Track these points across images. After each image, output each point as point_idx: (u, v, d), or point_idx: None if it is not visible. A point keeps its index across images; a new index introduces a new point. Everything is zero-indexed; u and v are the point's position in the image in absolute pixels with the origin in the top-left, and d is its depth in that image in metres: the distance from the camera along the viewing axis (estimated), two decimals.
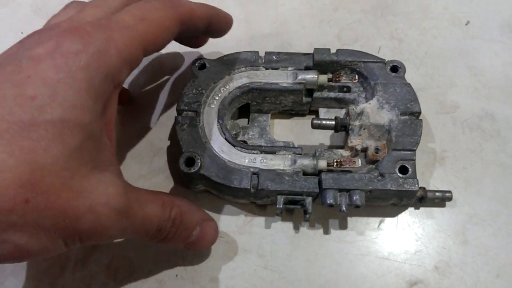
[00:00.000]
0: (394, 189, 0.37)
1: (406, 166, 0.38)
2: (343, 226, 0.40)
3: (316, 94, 0.42)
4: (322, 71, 0.42)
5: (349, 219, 0.40)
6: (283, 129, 0.44)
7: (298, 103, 0.43)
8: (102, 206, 0.28)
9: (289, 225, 0.40)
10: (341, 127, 0.40)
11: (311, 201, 0.37)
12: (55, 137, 0.26)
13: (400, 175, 0.37)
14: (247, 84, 0.41)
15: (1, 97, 0.26)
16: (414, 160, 0.38)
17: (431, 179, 0.42)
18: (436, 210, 0.41)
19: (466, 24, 0.48)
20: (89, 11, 0.32)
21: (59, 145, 0.26)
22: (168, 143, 0.43)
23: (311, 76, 0.41)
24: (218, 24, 0.39)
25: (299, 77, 0.41)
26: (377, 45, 0.48)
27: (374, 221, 0.40)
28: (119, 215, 0.29)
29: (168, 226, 0.33)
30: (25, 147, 0.25)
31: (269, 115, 0.44)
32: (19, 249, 0.26)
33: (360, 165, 0.37)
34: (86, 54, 0.28)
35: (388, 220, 0.40)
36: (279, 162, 0.38)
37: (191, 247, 0.36)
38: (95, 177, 0.28)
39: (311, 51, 0.42)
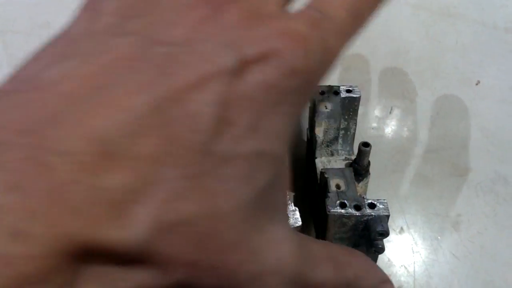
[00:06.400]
0: None
1: None
2: None
3: None
4: None
5: None
6: None
7: None
8: (273, 274, 0.21)
9: None
10: None
11: None
12: (245, 176, 0.19)
13: None
14: None
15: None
16: None
17: (446, 244, 0.42)
18: (454, 277, 0.41)
19: (477, 84, 0.49)
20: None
21: (246, 187, 0.19)
22: None
23: None
24: None
25: None
26: (389, 105, 0.48)
27: None
28: (289, 285, 0.21)
29: None
30: (209, 189, 0.18)
31: None
32: None
33: None
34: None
35: None
36: None
37: None
38: (270, 233, 0.21)
39: None
